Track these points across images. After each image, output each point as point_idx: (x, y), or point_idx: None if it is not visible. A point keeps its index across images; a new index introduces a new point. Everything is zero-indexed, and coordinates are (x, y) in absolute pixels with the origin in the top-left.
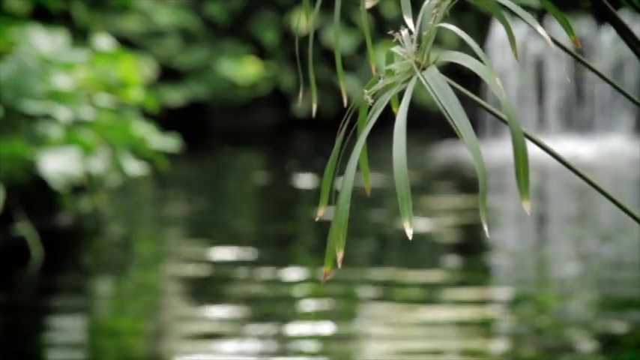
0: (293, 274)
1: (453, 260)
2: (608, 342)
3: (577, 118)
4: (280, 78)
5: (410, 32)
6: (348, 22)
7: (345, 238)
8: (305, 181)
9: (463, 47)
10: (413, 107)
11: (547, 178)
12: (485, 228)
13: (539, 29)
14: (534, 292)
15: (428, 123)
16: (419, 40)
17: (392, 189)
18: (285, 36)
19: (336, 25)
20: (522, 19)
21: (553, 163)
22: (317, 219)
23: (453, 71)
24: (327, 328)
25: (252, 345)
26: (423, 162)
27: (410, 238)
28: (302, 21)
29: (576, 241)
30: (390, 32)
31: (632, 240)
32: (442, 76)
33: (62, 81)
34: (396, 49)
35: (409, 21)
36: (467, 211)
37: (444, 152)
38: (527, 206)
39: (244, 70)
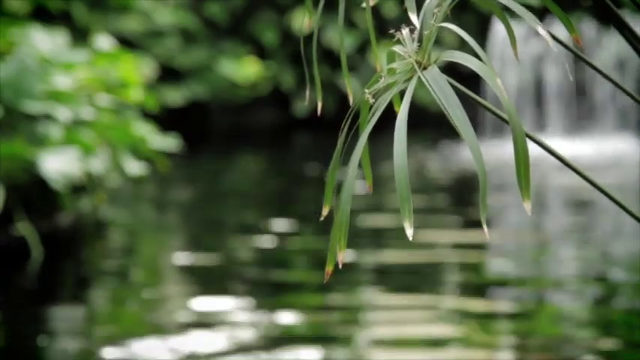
0: (294, 273)
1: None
2: (607, 345)
3: (577, 118)
4: (280, 78)
5: (411, 31)
6: (349, 22)
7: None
8: (306, 180)
9: (463, 48)
10: (413, 107)
11: (546, 178)
12: (485, 229)
13: (540, 29)
14: (532, 296)
15: (428, 123)
16: (420, 40)
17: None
18: (285, 36)
19: (340, 24)
20: (523, 18)
21: (553, 164)
22: (322, 218)
23: (453, 71)
24: (328, 302)
25: (251, 336)
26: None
27: (410, 238)
28: (305, 20)
29: (576, 243)
30: (392, 31)
31: (632, 242)
32: (443, 75)
33: (62, 81)
34: (396, 48)
35: (414, 17)
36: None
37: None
38: (527, 206)
39: (244, 70)
